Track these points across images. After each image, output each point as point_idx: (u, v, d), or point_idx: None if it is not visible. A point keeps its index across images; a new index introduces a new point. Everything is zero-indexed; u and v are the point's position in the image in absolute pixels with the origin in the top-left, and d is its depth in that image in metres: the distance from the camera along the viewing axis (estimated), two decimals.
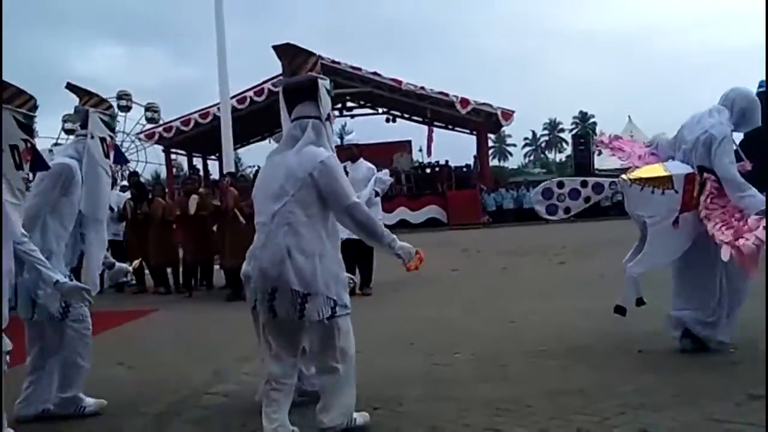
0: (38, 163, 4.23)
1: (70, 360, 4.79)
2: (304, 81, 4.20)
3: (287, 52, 4.36)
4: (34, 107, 4.11)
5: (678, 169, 5.47)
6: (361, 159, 10.13)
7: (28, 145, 4.00)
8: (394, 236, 4.12)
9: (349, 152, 10.21)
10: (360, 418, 4.17)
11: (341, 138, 56.86)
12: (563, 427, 3.99)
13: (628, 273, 5.55)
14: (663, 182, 5.41)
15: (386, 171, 4.64)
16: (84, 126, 4.92)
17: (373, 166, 10.13)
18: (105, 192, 5.00)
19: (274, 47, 4.37)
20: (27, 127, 4.03)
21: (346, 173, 10.13)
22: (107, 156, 4.95)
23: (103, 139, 4.92)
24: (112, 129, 5.07)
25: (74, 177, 4.73)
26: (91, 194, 4.85)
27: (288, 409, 4.00)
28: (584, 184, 5.79)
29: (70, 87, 5.06)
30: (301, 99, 4.13)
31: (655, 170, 5.55)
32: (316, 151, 4.00)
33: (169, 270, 12.31)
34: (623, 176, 5.57)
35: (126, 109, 42.54)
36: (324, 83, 4.12)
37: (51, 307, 4.62)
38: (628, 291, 5.55)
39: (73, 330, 4.79)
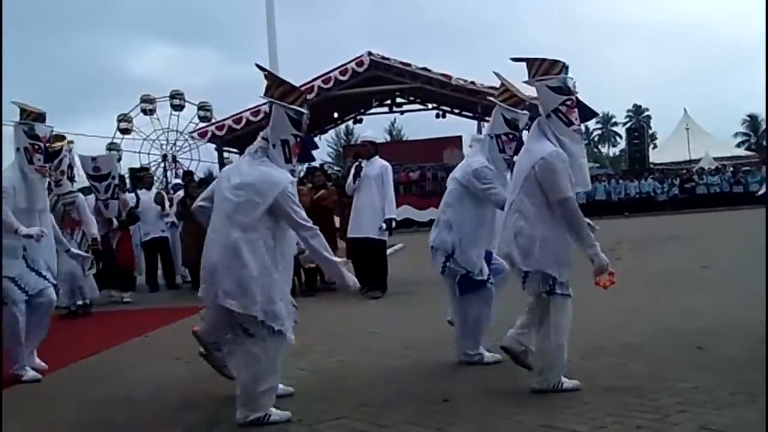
0: (306, 155, 4.70)
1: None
2: (530, 87, 4.89)
3: (524, 61, 4.84)
4: (304, 103, 4.44)
5: None
6: (377, 156, 10.08)
7: (298, 139, 4.39)
8: (596, 244, 4.54)
9: (364, 149, 10.26)
10: (569, 383, 4.67)
11: (390, 134, 57.17)
12: (621, 423, 3.93)
13: None
14: None
15: None
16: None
17: (386, 164, 10.12)
18: None
19: (513, 59, 4.86)
20: (297, 123, 4.38)
21: (360, 170, 10.16)
22: None
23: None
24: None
25: None
26: None
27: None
28: None
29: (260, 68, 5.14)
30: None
31: None
32: (542, 147, 4.62)
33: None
34: None
35: (179, 108, 43.35)
36: (543, 83, 4.68)
37: None
38: None
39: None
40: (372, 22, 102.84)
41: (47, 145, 6.17)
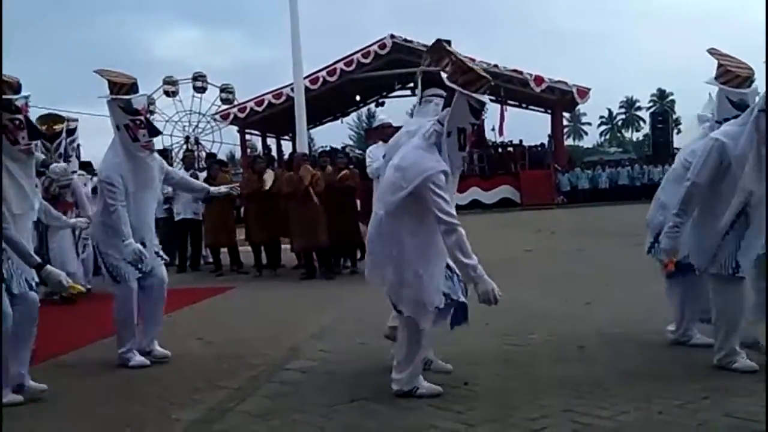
0: (481, 142, 4.63)
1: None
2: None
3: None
4: (487, 90, 4.34)
5: None
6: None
7: (474, 127, 4.37)
8: (674, 229, 4.71)
9: (391, 130, 10.12)
10: (741, 364, 4.56)
11: (412, 117, 56.95)
12: (643, 410, 3.91)
13: None
14: None
15: None
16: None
17: None
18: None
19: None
20: (477, 112, 4.32)
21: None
22: None
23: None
24: None
25: None
26: None
27: None
28: None
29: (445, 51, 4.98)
30: None
31: None
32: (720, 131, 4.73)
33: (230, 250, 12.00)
34: None
35: (202, 90, 43.39)
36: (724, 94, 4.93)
37: None
38: None
39: None
40: (394, 4, 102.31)
41: (147, 116, 5.63)
